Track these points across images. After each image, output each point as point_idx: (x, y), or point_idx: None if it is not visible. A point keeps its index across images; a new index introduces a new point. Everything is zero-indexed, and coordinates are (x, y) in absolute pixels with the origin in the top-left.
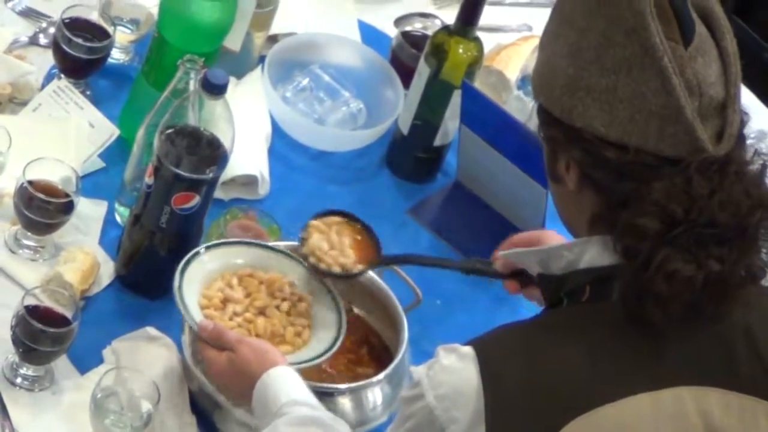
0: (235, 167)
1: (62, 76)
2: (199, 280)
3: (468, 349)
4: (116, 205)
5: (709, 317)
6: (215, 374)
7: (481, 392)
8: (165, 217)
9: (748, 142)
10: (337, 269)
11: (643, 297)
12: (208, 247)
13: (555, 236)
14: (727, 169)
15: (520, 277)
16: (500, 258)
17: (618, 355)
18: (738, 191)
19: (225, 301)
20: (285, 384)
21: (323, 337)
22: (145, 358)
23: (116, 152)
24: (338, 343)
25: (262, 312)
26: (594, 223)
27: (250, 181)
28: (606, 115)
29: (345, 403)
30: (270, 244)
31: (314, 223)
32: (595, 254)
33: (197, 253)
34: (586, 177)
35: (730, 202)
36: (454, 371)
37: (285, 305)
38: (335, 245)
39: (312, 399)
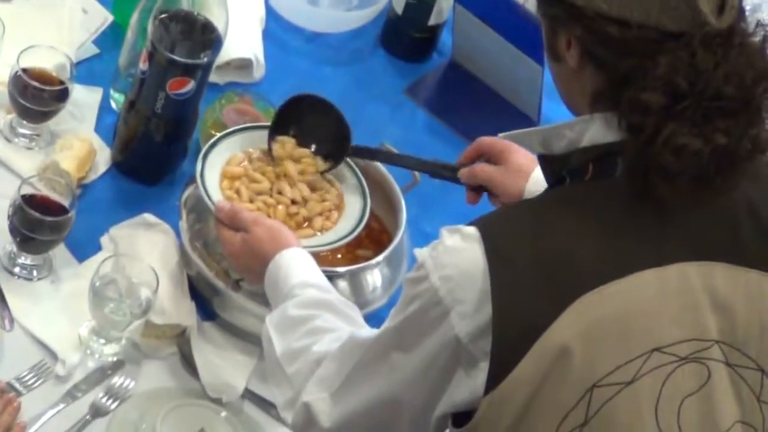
0: (230, 50)
1: None
2: (221, 162)
3: (472, 230)
4: (111, 92)
5: (716, 190)
6: (230, 254)
7: (486, 272)
8: (160, 102)
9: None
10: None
11: (651, 172)
12: (231, 132)
13: (521, 150)
14: (731, 42)
15: (481, 190)
16: (467, 169)
17: (623, 232)
18: (742, 63)
19: (245, 176)
20: (297, 265)
21: (347, 223)
22: (143, 245)
23: (110, 38)
24: (357, 232)
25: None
26: (596, 101)
27: (244, 65)
28: None
29: (344, 285)
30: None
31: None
32: (597, 132)
33: (220, 138)
34: (587, 54)
35: (735, 74)
36: (458, 252)
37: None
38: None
39: (324, 282)
